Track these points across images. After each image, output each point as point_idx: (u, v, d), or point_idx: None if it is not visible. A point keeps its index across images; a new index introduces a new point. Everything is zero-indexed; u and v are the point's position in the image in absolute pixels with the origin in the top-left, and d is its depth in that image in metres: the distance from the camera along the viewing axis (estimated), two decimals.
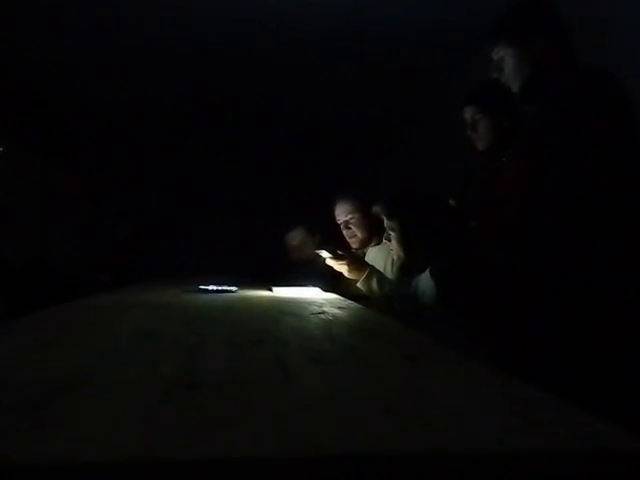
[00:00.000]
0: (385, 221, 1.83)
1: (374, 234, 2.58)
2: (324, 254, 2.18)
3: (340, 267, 2.14)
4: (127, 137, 5.26)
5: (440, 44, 3.46)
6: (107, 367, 0.71)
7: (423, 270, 1.66)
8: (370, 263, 2.34)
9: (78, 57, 3.69)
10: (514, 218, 1.55)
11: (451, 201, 1.93)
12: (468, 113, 1.95)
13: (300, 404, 0.56)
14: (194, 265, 4.81)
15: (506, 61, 1.55)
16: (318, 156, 5.33)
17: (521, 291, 1.42)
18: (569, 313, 1.28)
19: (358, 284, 2.09)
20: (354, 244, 2.64)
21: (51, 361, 0.76)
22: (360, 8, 3.02)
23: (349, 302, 1.78)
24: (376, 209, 1.88)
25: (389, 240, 1.83)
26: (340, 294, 2.07)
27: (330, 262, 2.18)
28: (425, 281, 1.61)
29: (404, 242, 1.76)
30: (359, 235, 2.60)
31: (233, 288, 2.15)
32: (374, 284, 2.05)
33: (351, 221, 2.60)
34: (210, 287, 2.11)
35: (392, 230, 1.79)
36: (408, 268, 1.79)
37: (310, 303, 1.69)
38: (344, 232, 2.65)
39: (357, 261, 2.18)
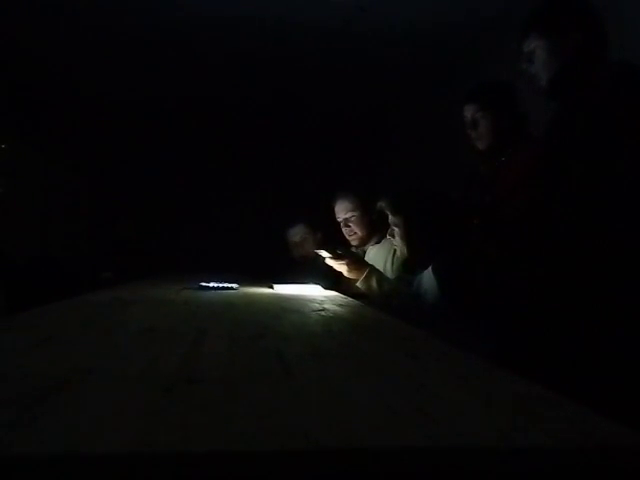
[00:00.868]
0: (389, 217, 1.83)
1: (374, 232, 2.57)
2: (324, 254, 2.18)
3: (340, 267, 2.14)
4: (128, 135, 5.26)
5: (440, 43, 3.46)
6: (108, 362, 0.72)
7: (426, 267, 1.66)
8: (370, 261, 2.34)
9: (79, 55, 3.69)
10: (518, 215, 1.55)
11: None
12: (468, 111, 1.93)
13: (300, 399, 0.56)
14: (195, 262, 4.81)
15: (537, 53, 1.53)
16: (318, 154, 5.33)
17: (522, 288, 1.42)
18: (570, 310, 1.28)
19: (358, 284, 2.09)
20: (354, 242, 2.64)
21: (52, 356, 0.76)
22: (362, 7, 3.02)
23: (349, 299, 1.78)
24: (380, 205, 1.88)
25: (393, 237, 1.83)
26: (340, 292, 2.07)
27: (330, 262, 2.17)
28: (428, 279, 1.61)
29: (408, 238, 1.76)
30: (359, 233, 2.60)
31: (234, 285, 2.15)
32: (374, 283, 2.05)
33: (351, 219, 2.60)
34: (211, 284, 2.11)
35: (396, 226, 1.79)
36: (411, 265, 1.79)
37: (311, 300, 1.69)
38: (344, 230, 2.65)
39: (357, 261, 2.17)
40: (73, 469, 0.40)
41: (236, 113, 4.74)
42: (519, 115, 1.91)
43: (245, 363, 0.74)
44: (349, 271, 2.12)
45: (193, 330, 1.02)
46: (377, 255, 2.47)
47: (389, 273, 2.27)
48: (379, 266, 2.28)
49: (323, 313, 1.34)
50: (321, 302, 1.63)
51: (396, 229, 1.79)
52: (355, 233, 2.61)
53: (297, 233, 3.21)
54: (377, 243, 2.56)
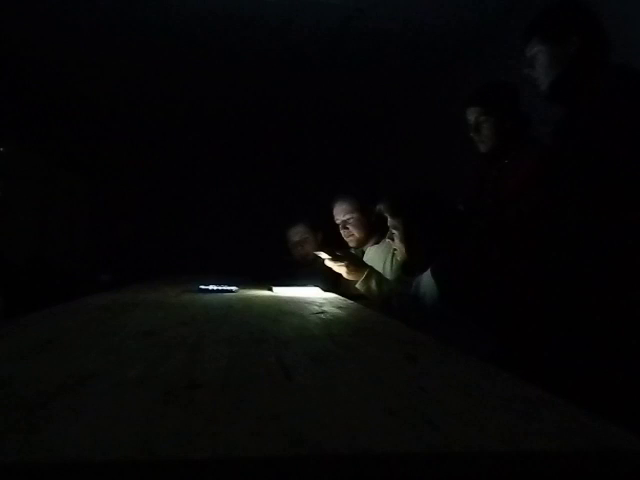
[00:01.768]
0: (388, 220, 1.83)
1: (372, 234, 2.58)
2: (323, 255, 2.18)
3: (339, 268, 2.14)
4: (128, 136, 5.27)
5: (440, 42, 3.46)
6: (107, 367, 0.71)
7: (425, 269, 1.66)
8: (369, 262, 2.34)
9: (79, 57, 3.69)
10: (521, 218, 1.55)
11: (460, 206, 1.91)
12: (472, 114, 1.93)
13: (300, 403, 0.56)
14: (194, 265, 4.81)
15: (538, 58, 1.54)
16: (318, 155, 5.33)
17: (523, 291, 1.42)
18: (571, 312, 1.28)
19: (357, 285, 2.09)
20: (352, 244, 2.64)
21: (51, 360, 0.76)
22: (361, 7, 3.02)
23: (349, 302, 1.78)
24: (379, 207, 1.88)
25: (392, 240, 1.83)
26: (339, 294, 2.07)
27: (329, 263, 2.18)
28: (427, 280, 1.61)
29: (407, 241, 1.76)
30: (357, 235, 2.60)
31: (233, 288, 2.15)
32: (373, 285, 2.05)
33: (349, 221, 2.60)
34: (210, 287, 2.11)
35: (395, 229, 1.79)
36: (410, 267, 1.79)
37: (310, 303, 1.69)
38: (342, 232, 2.66)
39: (356, 262, 2.17)
40: (73, 476, 0.39)
41: (236, 114, 4.74)
42: (522, 117, 1.90)
43: (245, 367, 0.74)
44: (348, 272, 2.12)
45: (192, 334, 1.01)
46: (376, 256, 2.47)
47: (388, 274, 2.27)
48: (378, 267, 2.28)
49: (323, 316, 1.34)
50: (320, 304, 1.63)
51: (395, 232, 1.80)
52: (353, 235, 2.61)
53: (297, 233, 3.21)
54: (376, 244, 2.56)
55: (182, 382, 0.63)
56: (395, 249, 1.85)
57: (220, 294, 2.05)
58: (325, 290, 2.22)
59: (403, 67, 3.82)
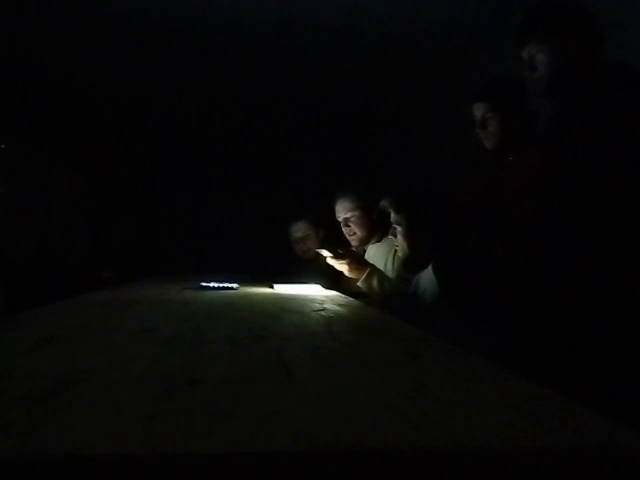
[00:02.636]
0: (392, 215, 1.82)
1: (374, 232, 2.58)
2: (325, 253, 2.18)
3: (341, 266, 2.14)
4: (129, 134, 5.27)
5: (441, 39, 3.45)
6: (109, 363, 0.72)
7: (426, 266, 1.66)
8: (370, 260, 2.34)
9: (81, 54, 3.69)
10: (525, 216, 1.55)
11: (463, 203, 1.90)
12: (478, 110, 1.90)
13: (301, 400, 0.56)
14: (195, 262, 4.81)
15: (539, 59, 1.51)
16: (320, 153, 5.33)
17: (524, 288, 1.42)
18: (572, 310, 1.28)
19: (358, 283, 2.09)
20: (354, 242, 2.64)
21: (53, 356, 0.76)
22: (362, 5, 3.02)
23: (350, 299, 1.78)
24: (383, 203, 1.87)
25: (394, 236, 1.83)
26: (341, 292, 2.07)
27: (331, 261, 2.17)
28: (427, 278, 1.61)
29: (410, 237, 1.76)
30: (358, 233, 2.60)
31: (234, 285, 2.15)
32: (375, 283, 2.05)
33: (351, 219, 2.60)
34: (211, 284, 2.11)
35: (398, 224, 1.79)
36: (412, 264, 1.79)
37: (311, 300, 1.69)
38: (344, 230, 2.65)
39: (358, 260, 2.17)
40: (74, 471, 0.40)
41: (237, 111, 4.74)
42: (529, 115, 1.88)
43: (245, 363, 0.74)
44: (350, 270, 2.12)
45: (193, 330, 1.02)
46: (377, 254, 2.47)
47: (389, 272, 2.27)
48: (379, 265, 2.28)
49: (323, 313, 1.34)
50: (321, 302, 1.63)
51: (398, 228, 1.79)
52: (355, 233, 2.61)
53: (300, 229, 3.21)
54: (377, 242, 2.56)
55: (183, 378, 0.63)
56: (397, 245, 1.85)
57: (221, 291, 2.05)
58: (326, 287, 2.22)
59: (406, 64, 3.81)
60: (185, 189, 5.63)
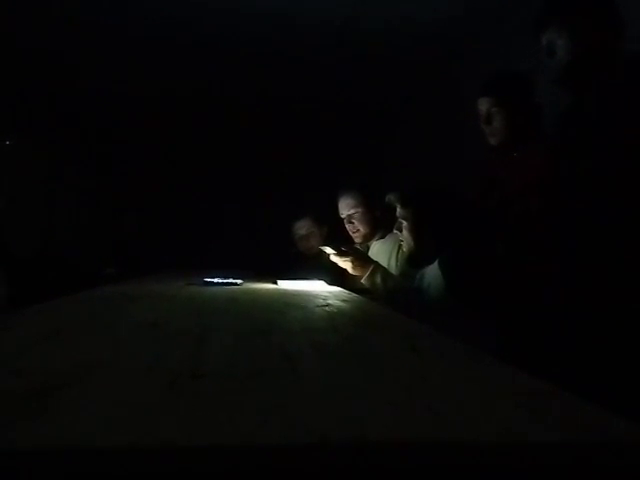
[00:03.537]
0: (397, 210, 1.82)
1: (377, 229, 2.57)
2: (328, 250, 2.18)
3: (344, 264, 2.14)
4: (132, 131, 5.27)
5: (442, 36, 3.43)
6: (113, 357, 0.72)
7: (431, 262, 1.66)
8: (374, 256, 2.33)
9: (84, 52, 3.69)
10: (529, 213, 1.54)
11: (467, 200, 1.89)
12: (483, 105, 1.88)
13: (305, 395, 0.57)
14: (199, 258, 4.82)
15: (558, 44, 1.47)
16: (322, 149, 5.32)
17: (528, 285, 1.41)
18: (576, 307, 1.28)
19: (362, 280, 2.09)
20: (357, 239, 2.64)
21: (58, 350, 0.76)
22: (363, 1, 3.01)
23: (354, 295, 1.78)
24: (389, 198, 1.87)
25: (400, 230, 1.82)
26: (344, 288, 2.07)
27: (334, 258, 2.17)
28: (432, 273, 1.61)
29: (415, 232, 1.75)
30: (362, 230, 2.60)
31: (238, 281, 2.15)
32: (378, 280, 2.04)
33: (354, 216, 2.59)
34: (215, 280, 2.12)
35: (404, 219, 1.78)
36: (417, 259, 1.78)
37: (315, 296, 1.70)
38: (347, 227, 2.65)
39: (361, 258, 2.17)
40: (78, 463, 0.40)
41: (239, 108, 4.73)
42: (535, 110, 1.86)
43: (249, 358, 0.74)
44: (353, 268, 2.12)
45: (197, 325, 1.02)
46: (381, 251, 2.46)
47: (393, 269, 2.27)
48: (383, 262, 2.28)
49: (327, 309, 1.34)
50: (325, 298, 1.63)
51: (404, 222, 1.78)
52: (358, 230, 2.60)
53: (303, 226, 3.20)
54: (381, 239, 2.56)
55: (187, 372, 0.63)
56: (402, 240, 1.84)
57: (225, 287, 2.06)
58: (330, 284, 2.22)
59: (408, 60, 3.79)
60: (188, 185, 5.63)
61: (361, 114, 4.86)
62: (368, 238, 2.61)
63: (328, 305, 1.42)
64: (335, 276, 2.35)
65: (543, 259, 1.46)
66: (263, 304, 1.50)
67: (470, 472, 0.44)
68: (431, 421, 0.49)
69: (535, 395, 0.59)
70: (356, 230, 2.61)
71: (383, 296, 1.99)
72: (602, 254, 1.26)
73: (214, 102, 4.60)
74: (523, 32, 1.82)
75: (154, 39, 3.50)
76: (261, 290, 1.97)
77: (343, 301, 1.56)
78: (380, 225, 2.54)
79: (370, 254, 2.47)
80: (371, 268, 2.07)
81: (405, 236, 1.79)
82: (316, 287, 2.10)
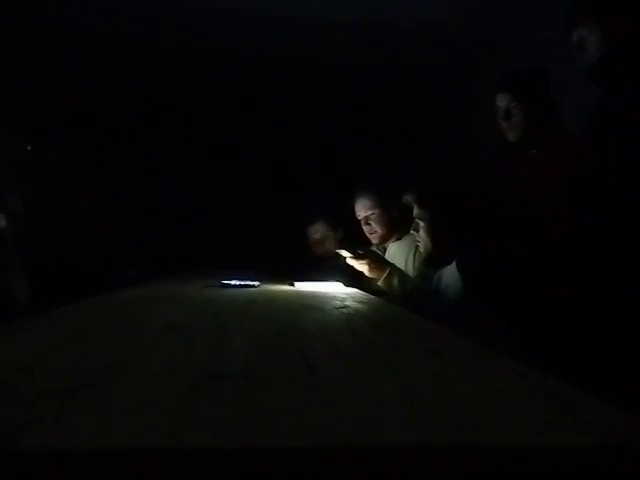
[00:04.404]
0: (415, 210, 1.81)
1: (394, 230, 2.57)
2: (344, 253, 2.17)
3: (361, 266, 2.13)
4: (150, 134, 5.33)
5: (458, 34, 3.41)
6: (135, 359, 0.73)
7: (449, 262, 1.65)
8: (390, 258, 2.33)
9: (98, 52, 3.73)
10: (547, 212, 1.52)
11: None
12: (502, 101, 1.87)
13: (325, 396, 0.57)
14: (216, 260, 4.85)
15: (589, 41, 1.46)
16: (339, 151, 5.32)
17: (547, 285, 1.40)
18: (596, 307, 1.26)
19: (379, 283, 2.08)
20: (374, 240, 2.64)
21: (81, 352, 0.77)
22: (379, 1, 3.00)
23: (371, 297, 1.78)
24: (406, 198, 1.86)
25: (417, 231, 1.81)
26: (361, 289, 2.07)
27: (350, 261, 2.17)
28: (449, 274, 1.60)
29: (432, 232, 1.74)
30: (379, 231, 2.59)
31: (255, 283, 2.16)
32: (395, 282, 2.03)
33: (371, 217, 2.59)
34: (233, 282, 2.13)
35: (421, 220, 1.77)
36: (434, 259, 1.77)
37: (332, 297, 1.70)
38: (364, 228, 2.65)
39: (378, 260, 2.16)
40: (102, 464, 0.40)
41: (255, 110, 4.75)
42: (553, 107, 1.85)
43: (269, 360, 0.75)
44: (370, 271, 2.11)
45: (216, 327, 1.03)
46: (398, 252, 2.46)
47: (410, 270, 2.26)
48: (400, 263, 2.27)
49: (345, 310, 1.34)
50: (342, 299, 1.63)
51: (421, 223, 1.77)
52: (376, 231, 2.60)
53: (317, 230, 3.20)
54: (398, 240, 2.55)
55: (207, 374, 0.63)
56: (419, 240, 1.83)
57: (242, 289, 2.07)
58: (347, 285, 2.22)
59: (423, 60, 3.78)
60: (205, 187, 5.67)
61: (377, 114, 4.85)
62: (385, 239, 2.61)
63: (345, 307, 1.42)
64: (351, 278, 2.35)
65: (564, 259, 1.44)
66: (281, 306, 1.51)
67: (491, 476, 0.43)
68: (451, 423, 0.49)
69: (557, 397, 0.59)
70: (373, 231, 2.61)
71: (400, 298, 1.98)
72: (633, 254, 1.24)
73: (230, 105, 4.63)
74: (540, 31, 1.81)
75: (172, 42, 3.54)
76: (278, 292, 1.97)
77: (360, 302, 1.56)
78: (397, 226, 2.54)
79: (387, 255, 2.46)
80: (388, 270, 2.07)
81: (422, 237, 1.78)
82: (333, 289, 2.10)
